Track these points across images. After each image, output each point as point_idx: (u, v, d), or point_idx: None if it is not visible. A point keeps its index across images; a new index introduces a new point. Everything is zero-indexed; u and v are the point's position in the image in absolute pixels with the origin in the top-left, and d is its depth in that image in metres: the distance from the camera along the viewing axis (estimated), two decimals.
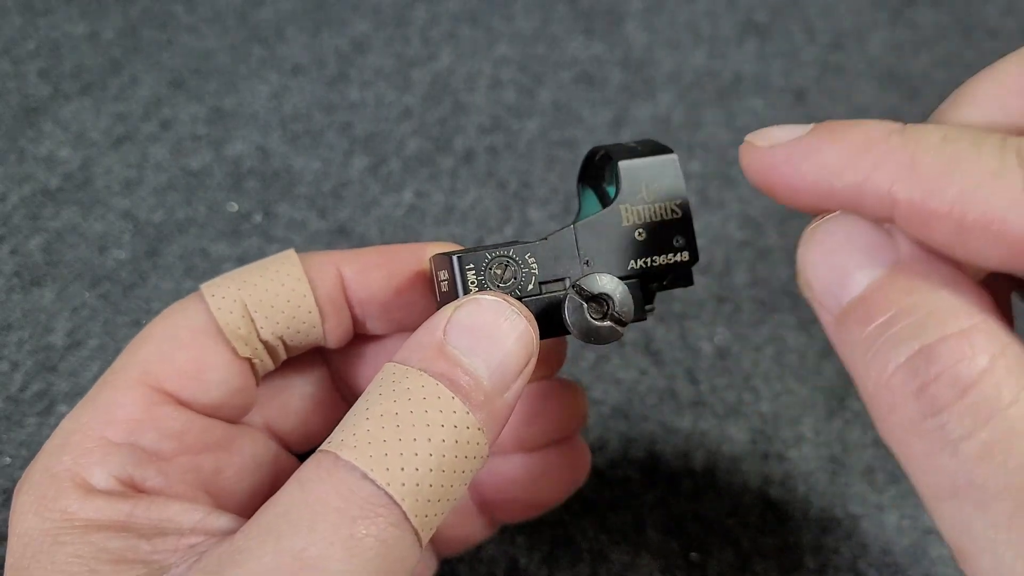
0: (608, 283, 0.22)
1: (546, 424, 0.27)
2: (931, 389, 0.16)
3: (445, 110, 0.44)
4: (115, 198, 0.40)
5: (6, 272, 0.38)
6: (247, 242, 0.39)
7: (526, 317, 0.21)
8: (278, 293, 0.24)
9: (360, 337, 0.27)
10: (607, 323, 0.22)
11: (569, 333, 0.23)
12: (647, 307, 0.24)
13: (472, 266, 0.22)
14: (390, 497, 0.18)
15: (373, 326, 0.26)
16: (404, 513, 0.19)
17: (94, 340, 0.36)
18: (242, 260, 0.39)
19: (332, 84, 0.45)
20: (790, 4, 0.50)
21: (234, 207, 0.40)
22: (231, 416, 0.24)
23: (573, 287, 0.22)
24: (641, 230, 0.23)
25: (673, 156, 0.23)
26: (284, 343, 0.24)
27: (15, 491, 0.21)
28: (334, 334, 0.25)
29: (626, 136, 0.44)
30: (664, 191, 0.23)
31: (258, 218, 0.40)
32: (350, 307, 0.25)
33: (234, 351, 0.23)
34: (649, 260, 0.23)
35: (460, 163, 0.42)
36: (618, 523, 0.32)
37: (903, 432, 0.17)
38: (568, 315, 0.22)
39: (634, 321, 0.23)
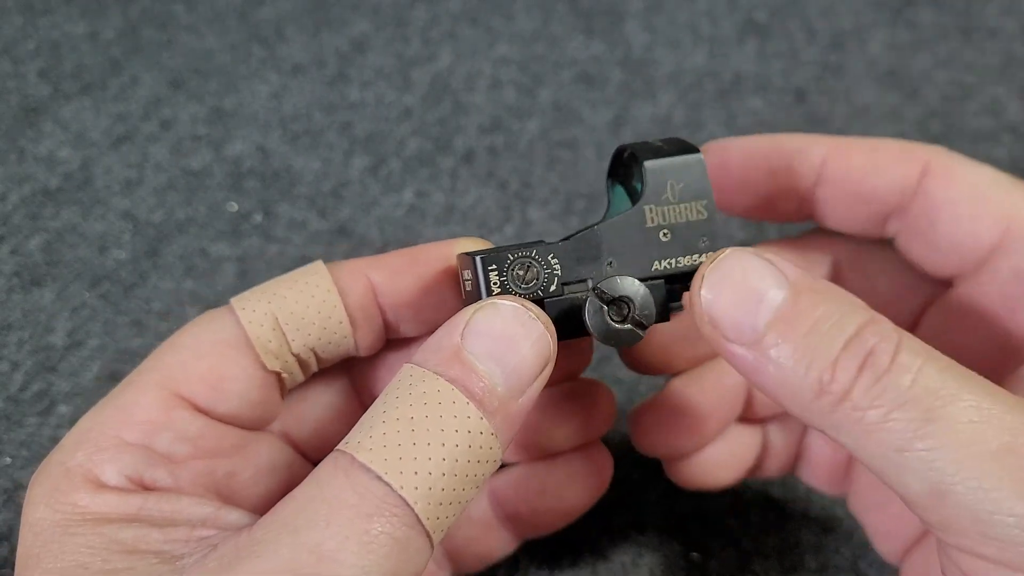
0: (629, 286, 0.22)
1: (571, 427, 0.27)
2: (871, 360, 0.20)
3: (445, 110, 0.44)
4: (115, 198, 0.40)
5: (6, 272, 0.38)
6: (247, 242, 0.39)
7: (543, 322, 0.21)
8: (308, 305, 0.24)
9: (389, 344, 0.27)
10: (627, 326, 0.22)
11: (588, 335, 0.23)
12: (673, 304, 0.24)
13: (495, 267, 0.22)
14: (403, 499, 0.19)
15: (406, 329, 0.26)
16: (416, 515, 0.19)
17: (94, 340, 0.36)
18: (242, 260, 0.39)
19: (332, 84, 0.45)
20: (790, 4, 0.50)
21: (234, 207, 0.40)
22: (251, 425, 0.25)
23: (594, 290, 0.22)
24: (666, 231, 0.23)
25: (699, 156, 0.23)
26: (316, 355, 0.25)
27: (30, 482, 0.22)
28: (365, 342, 0.25)
29: (626, 136, 0.44)
30: (690, 191, 0.23)
31: (258, 218, 0.40)
32: (382, 313, 0.25)
33: (261, 364, 0.24)
34: (674, 261, 0.23)
35: (460, 163, 0.42)
36: (618, 523, 0.32)
37: (858, 410, 0.20)
38: (588, 317, 0.22)
39: (657, 322, 0.23)
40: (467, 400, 0.20)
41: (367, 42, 0.47)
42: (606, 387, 0.28)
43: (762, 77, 0.46)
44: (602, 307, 0.22)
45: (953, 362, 0.20)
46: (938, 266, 0.26)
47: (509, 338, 0.21)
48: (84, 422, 0.23)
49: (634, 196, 0.25)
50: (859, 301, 0.21)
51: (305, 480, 0.20)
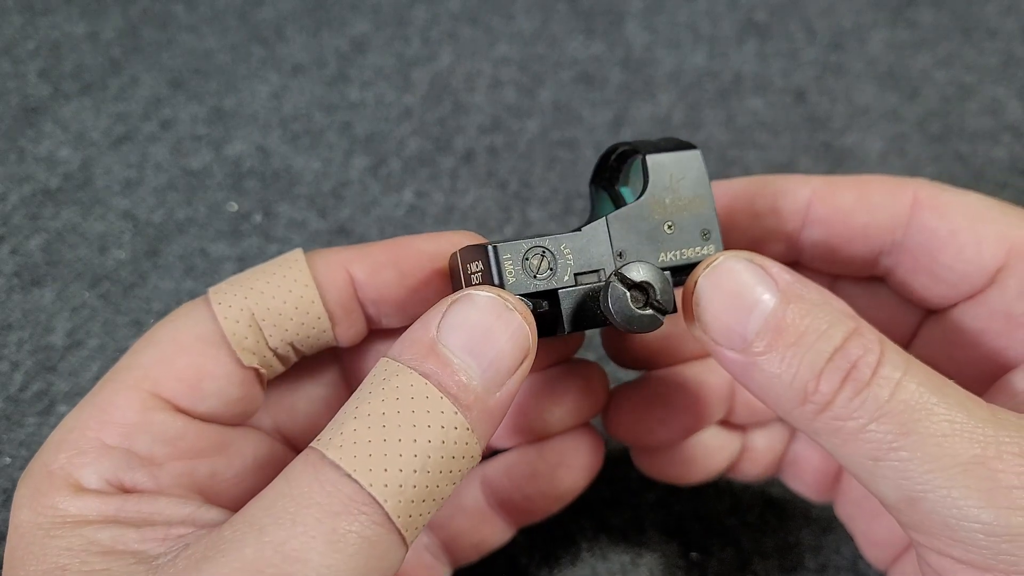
0: (649, 272, 0.22)
1: (564, 408, 0.27)
2: (854, 373, 0.20)
3: (445, 110, 0.44)
4: (115, 198, 0.40)
5: (6, 272, 0.38)
6: (247, 242, 0.39)
7: (521, 313, 0.21)
8: (285, 300, 0.23)
9: (375, 332, 0.26)
10: (648, 311, 0.22)
11: (602, 325, 0.23)
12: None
13: (509, 256, 0.22)
14: (372, 498, 0.19)
15: (388, 321, 0.26)
16: (387, 513, 0.19)
17: (94, 340, 0.36)
18: (242, 260, 0.39)
19: (332, 84, 0.45)
20: (790, 4, 0.50)
21: (234, 207, 0.40)
22: (231, 421, 0.24)
23: (615, 275, 0.22)
24: (670, 223, 0.23)
25: (697, 151, 0.24)
26: (294, 348, 0.24)
27: (17, 484, 0.22)
28: (346, 335, 0.25)
29: (626, 136, 0.44)
30: (689, 185, 0.24)
31: (258, 218, 0.40)
32: (363, 306, 0.25)
33: (238, 360, 0.23)
34: (679, 253, 0.24)
35: (460, 163, 0.42)
36: (618, 523, 0.32)
37: (838, 420, 0.20)
38: (611, 303, 0.22)
39: (672, 312, 0.23)
40: (441, 395, 0.20)
41: (367, 42, 0.47)
42: (598, 366, 0.28)
43: (762, 77, 0.46)
44: (624, 292, 0.22)
45: (932, 373, 0.20)
46: (942, 296, 0.26)
47: (485, 330, 0.20)
48: (67, 422, 0.22)
49: (618, 201, 0.25)
50: (846, 308, 0.22)
51: (277, 477, 0.20)
